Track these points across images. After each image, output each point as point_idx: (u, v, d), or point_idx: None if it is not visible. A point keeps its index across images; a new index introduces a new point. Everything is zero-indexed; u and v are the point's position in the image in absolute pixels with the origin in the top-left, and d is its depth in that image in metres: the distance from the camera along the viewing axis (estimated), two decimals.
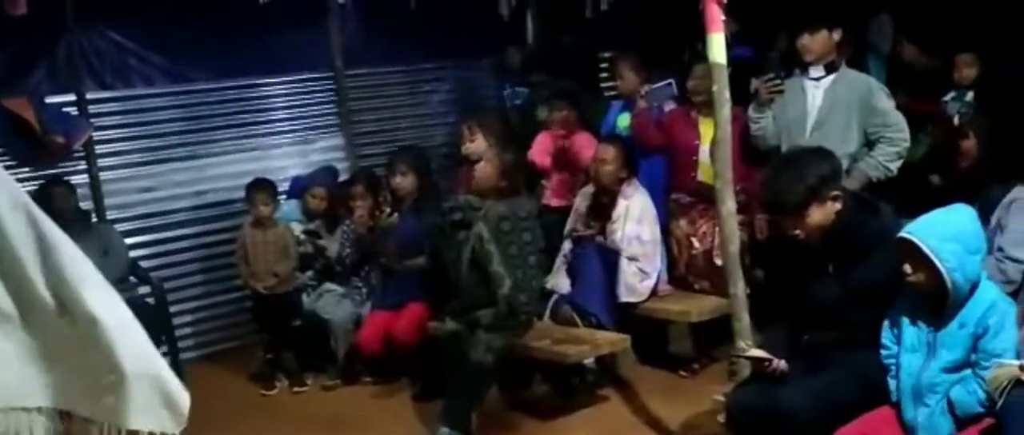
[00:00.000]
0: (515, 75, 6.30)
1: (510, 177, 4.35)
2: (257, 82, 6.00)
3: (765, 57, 4.26)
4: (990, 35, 4.89)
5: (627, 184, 4.62)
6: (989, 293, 2.69)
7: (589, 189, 4.79)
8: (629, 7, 5.30)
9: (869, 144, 4.09)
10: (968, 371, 2.66)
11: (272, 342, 5.14)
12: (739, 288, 3.45)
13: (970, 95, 5.00)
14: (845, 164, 3.94)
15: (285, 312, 5.07)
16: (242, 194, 5.18)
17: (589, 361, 4.49)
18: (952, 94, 5.07)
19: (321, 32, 6.15)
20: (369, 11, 6.20)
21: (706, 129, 4.49)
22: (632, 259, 4.56)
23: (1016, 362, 2.57)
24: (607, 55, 6.41)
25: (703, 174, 4.59)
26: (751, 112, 4.27)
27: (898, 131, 4.07)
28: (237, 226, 5.31)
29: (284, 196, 5.46)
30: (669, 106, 4.90)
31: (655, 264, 4.63)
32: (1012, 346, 2.63)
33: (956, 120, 5.00)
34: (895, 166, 4.07)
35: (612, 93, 5.81)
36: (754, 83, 4.32)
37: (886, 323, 2.84)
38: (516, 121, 5.88)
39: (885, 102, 4.09)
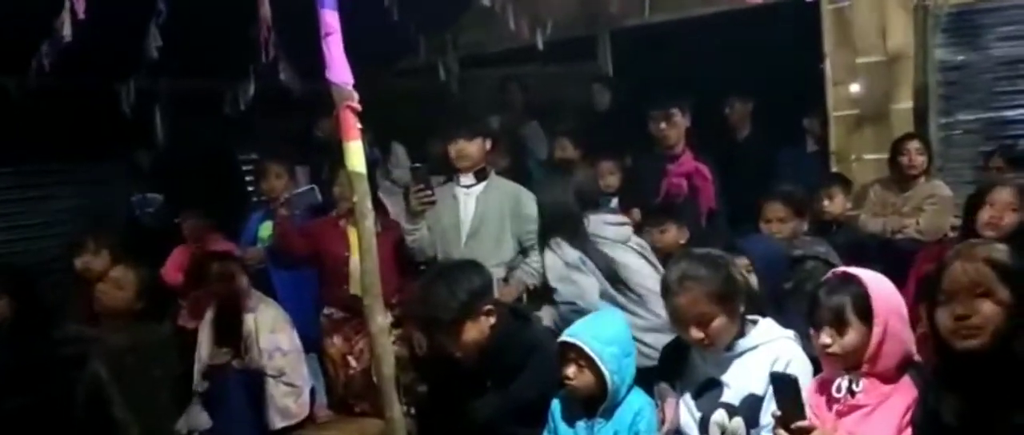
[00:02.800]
0: (146, 179, 5.85)
1: (138, 299, 3.97)
2: None
3: (414, 167, 4.31)
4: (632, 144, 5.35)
5: (249, 298, 4.42)
6: (638, 399, 2.83)
7: (210, 314, 4.50)
8: (276, 104, 5.15)
9: (524, 251, 4.23)
10: None
11: None
12: (395, 411, 3.32)
13: (614, 202, 5.41)
14: (502, 273, 4.09)
15: None
16: None
17: None
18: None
19: None
20: None
21: (356, 238, 4.41)
22: (278, 375, 4.35)
23: None
24: (252, 157, 6.19)
25: (356, 286, 4.49)
26: (404, 223, 4.28)
27: None
28: None
29: None
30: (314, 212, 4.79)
31: (303, 375, 4.45)
32: None
33: None
34: None
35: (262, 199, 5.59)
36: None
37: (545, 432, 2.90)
38: (146, 232, 5.43)
39: (535, 209, 4.27)
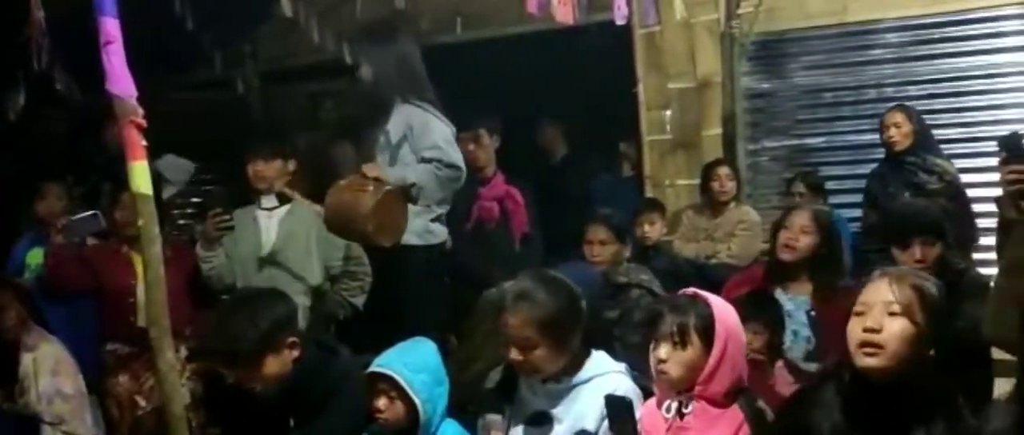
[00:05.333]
0: None
1: None
2: None
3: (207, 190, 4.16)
4: None
5: (27, 334, 4.11)
6: (451, 430, 2.81)
7: None
8: (55, 122, 4.84)
9: (333, 278, 4.14)
10: None
11: None
12: None
13: None
14: (307, 301, 3.99)
15: None
16: None
17: None
18: None
19: None
20: None
21: (141, 266, 4.18)
22: (57, 422, 4.06)
23: None
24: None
25: (143, 319, 4.24)
26: (199, 250, 4.10)
27: (359, 264, 4.19)
28: None
29: None
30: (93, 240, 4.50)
31: (87, 424, 4.16)
32: None
33: None
34: (360, 301, 4.18)
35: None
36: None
37: None
38: None
39: None
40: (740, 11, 5.43)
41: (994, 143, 4.88)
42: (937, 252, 3.30)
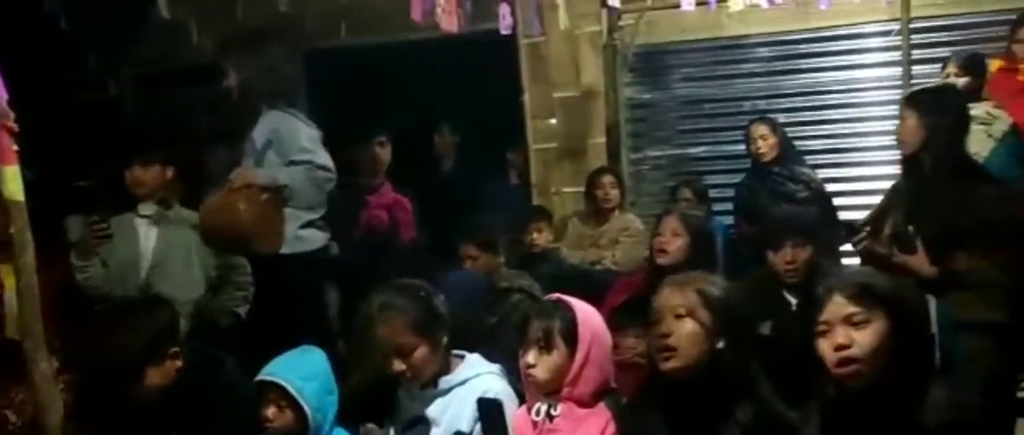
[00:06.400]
0: None
1: None
2: None
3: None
4: None
5: None
6: None
7: None
8: None
9: (214, 287, 4.07)
10: None
11: None
12: None
13: None
14: (189, 310, 3.91)
15: None
16: None
17: None
18: None
19: None
20: None
21: (9, 276, 4.02)
22: None
23: None
24: None
25: (11, 329, 4.07)
26: (74, 259, 3.97)
27: (243, 274, 4.14)
28: None
29: None
30: None
31: None
32: None
33: None
34: (243, 310, 4.12)
35: None
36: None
37: None
38: None
39: None
40: (621, 23, 5.59)
41: (856, 153, 5.19)
42: (807, 255, 3.47)
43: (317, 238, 4.29)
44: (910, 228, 3.35)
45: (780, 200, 4.79)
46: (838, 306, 2.09)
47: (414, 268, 4.38)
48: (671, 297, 2.30)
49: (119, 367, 2.77)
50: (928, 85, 4.53)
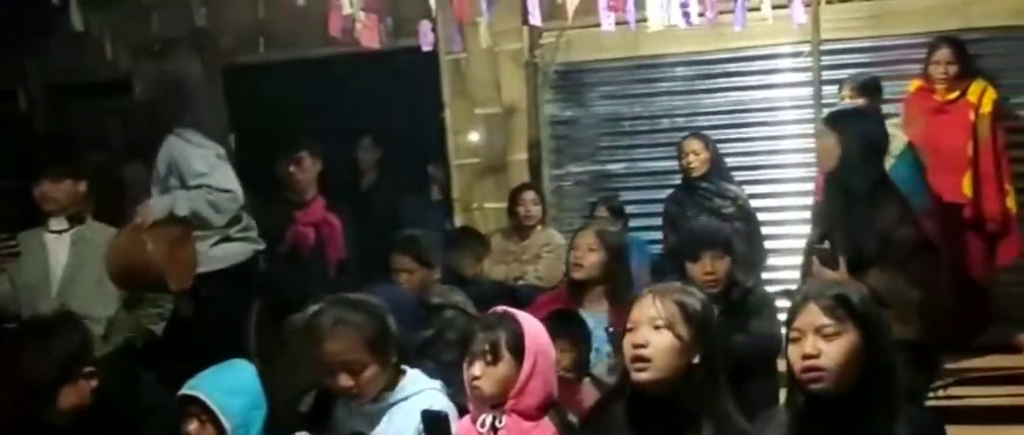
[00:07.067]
0: None
1: None
2: None
3: None
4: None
5: None
6: None
7: None
8: None
9: (127, 304, 3.98)
10: None
11: None
12: None
13: None
14: (100, 329, 3.82)
15: None
16: None
17: None
18: None
19: None
20: None
21: None
22: None
23: None
24: None
25: None
26: None
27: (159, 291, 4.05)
28: None
29: None
30: None
31: None
32: None
33: None
34: (159, 328, 4.03)
35: None
36: None
37: None
38: None
39: None
40: (543, 41, 5.65)
41: (772, 170, 5.32)
42: (725, 266, 3.55)
43: (234, 254, 4.23)
44: (826, 244, 3.44)
45: (707, 215, 4.87)
46: (811, 315, 2.13)
47: (337, 284, 4.38)
48: (649, 307, 2.27)
49: (31, 389, 2.68)
50: (847, 106, 4.67)
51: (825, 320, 2.11)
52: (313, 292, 4.09)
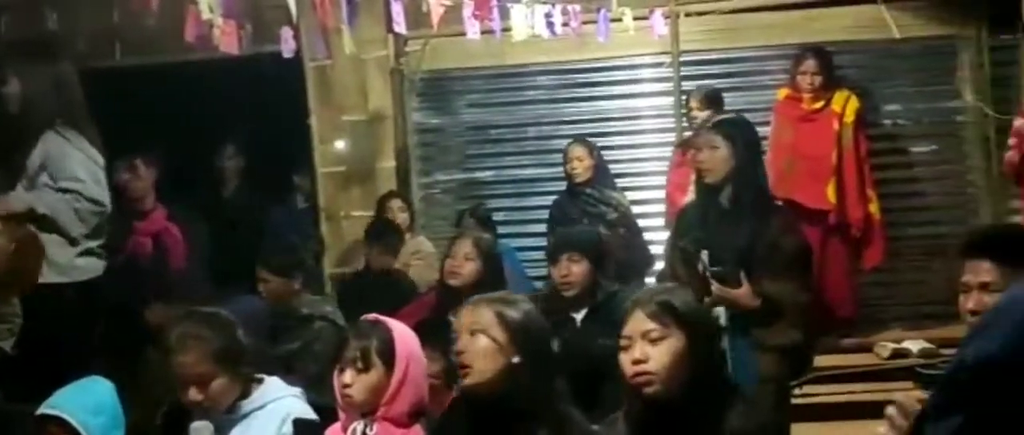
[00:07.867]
0: None
1: None
2: None
3: None
4: None
5: None
6: None
7: None
8: None
9: None
10: None
11: None
12: None
13: None
14: None
15: None
16: None
17: None
18: None
19: None
20: None
21: None
22: None
23: None
24: None
25: None
26: None
27: (7, 305, 3.87)
28: None
29: None
30: None
31: None
32: None
33: None
34: (8, 344, 3.84)
35: None
36: None
37: None
38: None
39: None
40: (408, 49, 5.65)
41: (634, 177, 5.42)
42: (582, 269, 3.54)
43: (94, 267, 4.09)
44: (705, 258, 3.42)
45: (590, 220, 4.94)
46: (638, 322, 2.20)
47: (180, 296, 4.26)
48: (467, 316, 2.36)
49: None
50: (730, 116, 4.78)
51: (651, 325, 2.18)
52: (150, 304, 4.04)
